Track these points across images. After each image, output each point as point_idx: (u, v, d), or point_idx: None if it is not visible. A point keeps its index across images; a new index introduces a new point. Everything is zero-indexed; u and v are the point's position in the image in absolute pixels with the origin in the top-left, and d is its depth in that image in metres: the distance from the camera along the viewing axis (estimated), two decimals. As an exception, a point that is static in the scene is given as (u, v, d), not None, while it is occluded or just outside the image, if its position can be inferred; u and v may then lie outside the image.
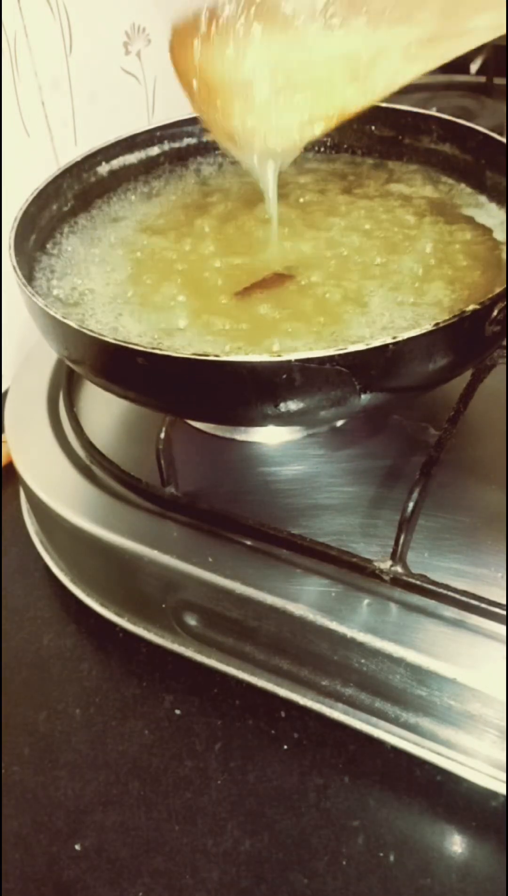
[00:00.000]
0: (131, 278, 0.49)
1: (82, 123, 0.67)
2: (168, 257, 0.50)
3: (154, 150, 0.60)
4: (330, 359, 0.36)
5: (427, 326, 0.36)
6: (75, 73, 0.65)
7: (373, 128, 0.60)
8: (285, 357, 0.36)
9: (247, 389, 0.37)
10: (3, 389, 0.65)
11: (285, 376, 0.36)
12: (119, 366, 0.40)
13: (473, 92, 0.93)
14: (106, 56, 0.68)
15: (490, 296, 0.38)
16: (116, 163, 0.58)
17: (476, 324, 0.38)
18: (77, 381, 0.56)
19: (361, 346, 0.36)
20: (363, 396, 0.38)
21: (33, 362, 0.58)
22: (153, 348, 0.37)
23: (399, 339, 0.36)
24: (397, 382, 0.39)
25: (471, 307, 0.37)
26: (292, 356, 0.36)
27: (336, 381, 0.37)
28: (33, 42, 0.60)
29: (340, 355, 0.36)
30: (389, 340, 0.36)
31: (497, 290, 0.39)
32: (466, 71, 0.96)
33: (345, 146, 0.61)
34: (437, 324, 0.36)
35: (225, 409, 0.40)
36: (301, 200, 0.55)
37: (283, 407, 0.38)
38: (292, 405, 0.38)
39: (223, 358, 0.36)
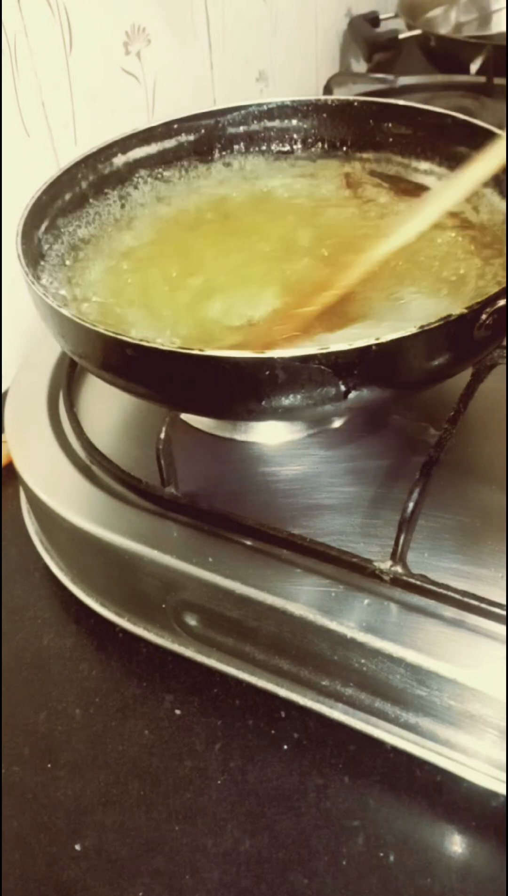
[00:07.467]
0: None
1: (82, 123, 0.67)
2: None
3: (171, 143, 0.60)
4: (313, 357, 0.36)
5: (412, 328, 0.36)
6: (75, 73, 0.65)
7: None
8: (267, 354, 0.36)
9: (231, 384, 0.37)
10: (3, 389, 0.65)
11: (268, 373, 0.36)
12: (111, 356, 0.40)
13: (473, 92, 0.93)
14: (106, 56, 0.68)
15: (479, 300, 0.38)
16: (133, 154, 0.58)
17: (462, 328, 0.38)
18: (77, 381, 0.56)
19: (344, 346, 0.36)
20: (348, 396, 0.38)
21: (33, 362, 0.58)
22: (141, 340, 0.37)
23: (383, 340, 0.36)
24: (382, 383, 0.39)
25: (458, 311, 0.37)
26: (275, 353, 0.36)
27: (320, 379, 0.37)
28: (33, 42, 0.60)
29: (322, 354, 0.36)
30: (372, 341, 0.36)
31: (485, 296, 0.38)
32: (466, 71, 0.96)
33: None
34: (422, 326, 0.36)
35: (213, 402, 0.40)
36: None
37: (268, 403, 0.38)
38: (277, 402, 0.38)
39: (208, 352, 0.36)
